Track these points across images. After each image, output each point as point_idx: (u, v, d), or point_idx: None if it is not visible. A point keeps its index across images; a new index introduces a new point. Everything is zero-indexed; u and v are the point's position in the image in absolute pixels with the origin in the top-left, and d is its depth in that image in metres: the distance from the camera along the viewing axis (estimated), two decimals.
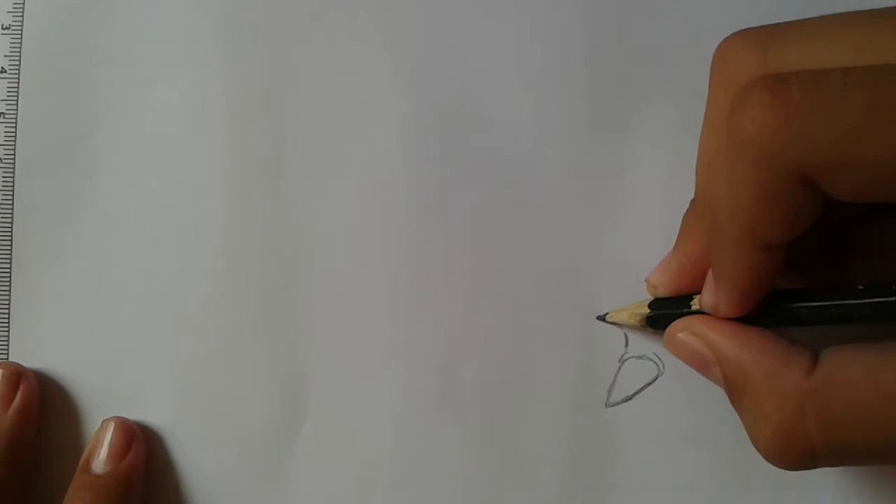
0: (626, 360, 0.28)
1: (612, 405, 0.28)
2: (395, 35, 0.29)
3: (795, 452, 0.22)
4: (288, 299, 0.29)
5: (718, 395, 0.27)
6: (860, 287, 0.23)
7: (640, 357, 0.28)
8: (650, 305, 0.27)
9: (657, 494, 0.28)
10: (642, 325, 0.27)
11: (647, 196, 0.29)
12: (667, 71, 0.29)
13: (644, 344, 0.28)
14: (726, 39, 0.23)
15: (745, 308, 0.23)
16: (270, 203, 0.29)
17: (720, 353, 0.24)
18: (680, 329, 0.25)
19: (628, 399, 0.28)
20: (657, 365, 0.28)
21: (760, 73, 0.22)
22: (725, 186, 0.21)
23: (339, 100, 0.29)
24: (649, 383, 0.28)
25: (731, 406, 0.26)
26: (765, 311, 0.23)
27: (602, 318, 0.28)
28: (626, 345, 0.28)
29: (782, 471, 0.27)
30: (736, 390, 0.23)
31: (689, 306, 0.25)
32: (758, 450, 0.23)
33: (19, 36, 0.30)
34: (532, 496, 0.28)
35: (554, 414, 0.28)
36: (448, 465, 0.28)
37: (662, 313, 0.26)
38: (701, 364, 0.24)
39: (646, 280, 0.27)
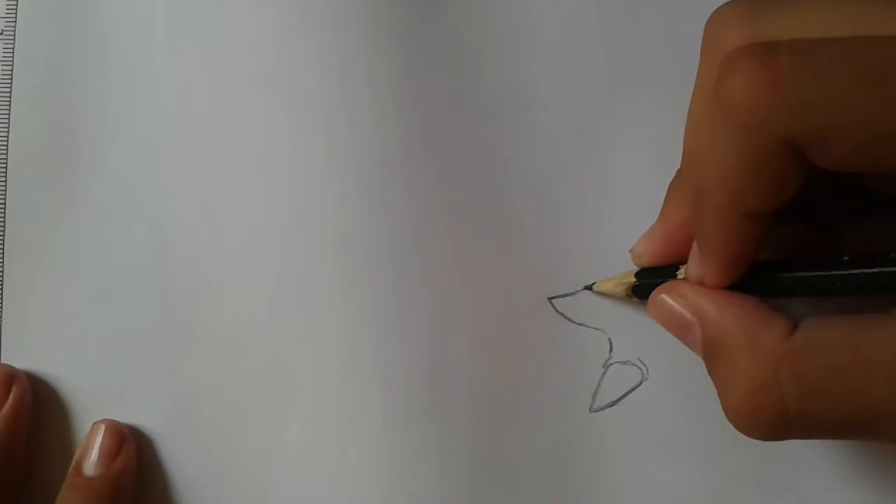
0: (611, 365, 0.28)
1: (597, 410, 0.28)
2: (387, 35, 0.29)
3: (767, 415, 0.22)
4: (276, 303, 0.29)
5: (702, 400, 0.28)
6: (845, 258, 0.23)
7: (624, 362, 0.28)
8: (636, 275, 0.27)
9: (641, 499, 0.28)
10: (628, 295, 0.27)
11: (635, 201, 0.29)
12: (654, 71, 0.29)
13: (628, 349, 0.28)
14: (717, 10, 0.23)
15: (730, 277, 0.23)
16: (262, 203, 0.29)
17: (702, 313, 0.24)
18: (664, 291, 0.25)
19: (613, 404, 0.28)
20: (641, 370, 0.28)
21: (749, 40, 0.21)
22: (711, 153, 0.21)
23: (330, 99, 0.29)
24: (633, 388, 0.28)
25: (714, 412, 0.26)
26: (749, 280, 0.23)
27: (589, 288, 0.28)
28: (611, 350, 0.28)
29: (768, 476, 0.28)
30: (714, 352, 0.23)
31: (675, 276, 0.25)
32: (727, 414, 0.23)
33: (12, 41, 0.30)
34: (518, 501, 0.28)
35: (539, 419, 0.28)
36: (434, 471, 0.29)
37: (649, 282, 0.26)
38: (681, 326, 0.24)
39: (630, 250, 0.27)
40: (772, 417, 0.22)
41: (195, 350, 0.29)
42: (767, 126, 0.20)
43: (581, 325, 0.29)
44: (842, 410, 0.21)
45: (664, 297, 0.25)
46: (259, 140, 0.29)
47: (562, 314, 0.29)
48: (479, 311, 0.29)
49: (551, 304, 0.29)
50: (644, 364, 0.28)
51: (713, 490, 0.28)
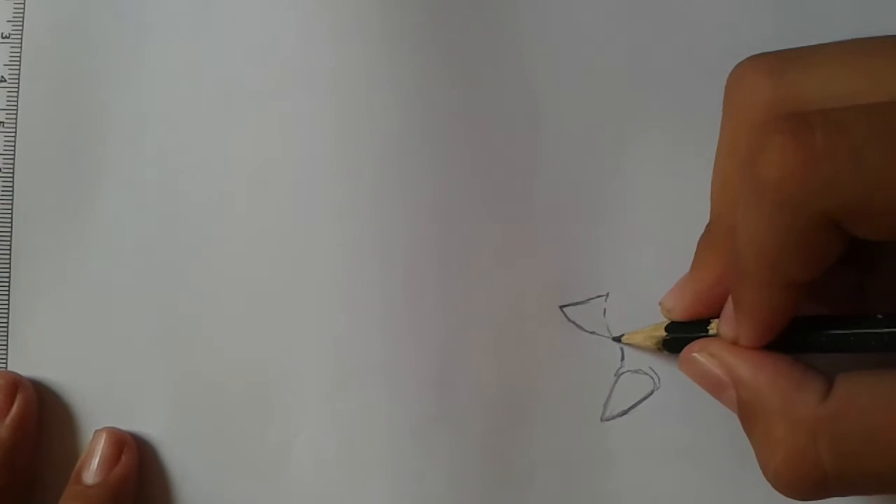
0: (622, 374, 0.28)
1: (608, 419, 0.28)
2: (397, 38, 0.29)
3: (806, 480, 0.22)
4: (283, 310, 0.29)
5: (714, 410, 0.27)
6: (879, 316, 0.23)
7: (635, 371, 0.28)
8: (667, 329, 0.27)
9: None
10: (658, 348, 0.27)
11: (645, 207, 0.29)
12: (670, 74, 0.29)
13: (640, 358, 0.28)
14: (739, 65, 0.23)
15: (765, 340, 0.23)
16: (269, 208, 0.29)
17: (736, 375, 0.23)
18: (697, 350, 0.25)
19: (624, 413, 0.28)
20: (653, 379, 0.28)
21: (776, 101, 0.22)
22: (747, 228, 0.21)
23: (336, 103, 0.29)
24: (645, 398, 0.28)
25: (726, 421, 0.26)
26: (783, 337, 0.23)
27: (617, 340, 0.28)
28: (622, 359, 0.28)
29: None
30: (749, 414, 0.23)
31: (707, 331, 0.25)
32: (766, 477, 0.23)
33: (19, 45, 0.30)
34: None
35: (550, 427, 0.28)
36: (444, 479, 0.28)
37: (679, 337, 0.26)
38: (716, 386, 0.24)
39: (660, 303, 0.27)
40: (810, 482, 0.22)
41: (200, 358, 0.29)
42: (805, 204, 0.20)
43: (593, 333, 0.28)
44: (879, 472, 0.21)
45: (697, 356, 0.25)
46: (266, 144, 0.29)
47: (573, 322, 0.28)
48: (491, 319, 0.29)
49: (563, 312, 0.28)
50: (656, 373, 0.28)
51: (724, 500, 0.28)
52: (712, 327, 0.25)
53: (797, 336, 0.23)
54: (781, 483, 0.22)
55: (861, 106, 0.20)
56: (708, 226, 0.26)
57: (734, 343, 0.24)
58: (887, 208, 0.19)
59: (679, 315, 0.26)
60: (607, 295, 0.28)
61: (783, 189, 0.20)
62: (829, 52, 0.22)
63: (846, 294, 0.25)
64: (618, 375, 0.28)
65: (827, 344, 0.23)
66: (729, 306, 0.24)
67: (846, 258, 0.21)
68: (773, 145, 0.20)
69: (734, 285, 0.23)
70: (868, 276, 0.25)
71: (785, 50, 0.23)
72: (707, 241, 0.26)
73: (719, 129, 0.24)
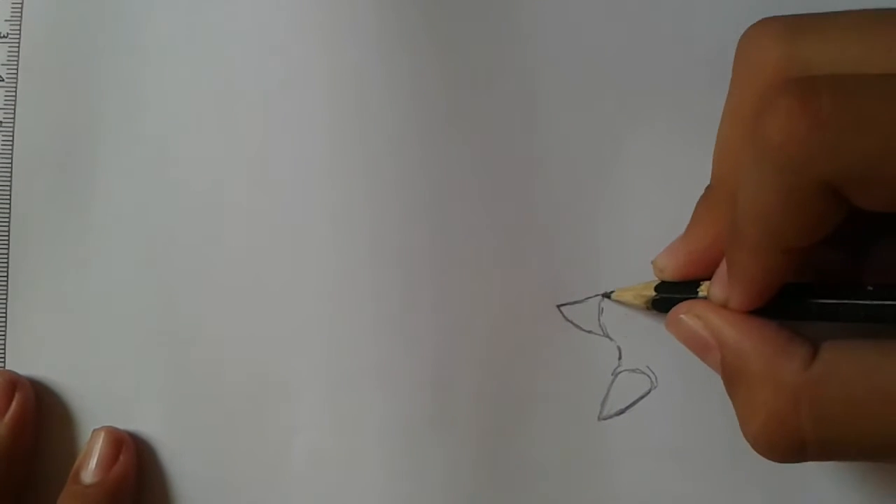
0: (620, 373, 0.28)
1: (606, 418, 0.28)
2: (394, 41, 0.29)
3: (785, 443, 0.22)
4: (279, 311, 0.29)
5: (711, 408, 0.28)
6: (870, 287, 0.23)
7: (633, 370, 0.28)
8: (656, 288, 0.27)
9: None
10: (647, 307, 0.27)
11: (643, 206, 0.29)
12: (667, 73, 0.29)
13: (637, 357, 0.28)
14: (752, 27, 0.23)
15: (755, 304, 0.23)
16: (266, 208, 0.29)
17: (721, 338, 0.24)
18: (684, 311, 0.25)
19: (621, 412, 0.28)
20: (650, 378, 0.28)
21: (786, 66, 0.21)
22: (748, 190, 0.21)
23: (334, 102, 0.29)
24: (642, 397, 0.28)
25: (723, 420, 0.26)
26: (773, 303, 0.23)
27: (607, 296, 0.28)
28: (620, 358, 0.28)
29: (777, 484, 0.28)
30: (733, 377, 0.23)
31: (696, 292, 0.25)
32: (747, 438, 0.23)
33: (17, 44, 0.30)
34: None
35: (547, 427, 0.28)
36: (442, 480, 0.28)
37: (668, 297, 0.26)
38: (701, 347, 0.24)
39: (652, 262, 0.27)
40: (789, 445, 0.22)
41: (198, 358, 0.29)
42: (808, 168, 0.20)
43: (590, 332, 0.28)
44: (859, 440, 0.21)
45: (684, 317, 0.25)
46: (263, 145, 0.29)
47: (571, 321, 0.28)
48: (488, 318, 0.29)
49: (560, 311, 0.28)
50: (653, 372, 0.28)
51: (721, 499, 0.28)
52: (702, 289, 0.25)
53: (786, 302, 0.23)
54: (761, 445, 0.22)
55: (872, 75, 0.20)
56: (708, 188, 0.26)
57: (723, 306, 0.24)
58: (889, 179, 0.19)
59: (671, 275, 0.26)
60: (605, 294, 0.28)
61: (786, 152, 0.20)
62: (843, 20, 0.22)
63: (841, 270, 0.25)
64: (615, 374, 0.28)
65: (815, 312, 0.23)
66: (722, 269, 0.24)
67: (844, 233, 0.21)
68: (779, 107, 0.20)
69: (730, 247, 0.23)
70: (864, 254, 0.25)
71: (799, 15, 0.22)
72: (706, 202, 0.26)
73: (728, 92, 0.24)
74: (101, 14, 0.30)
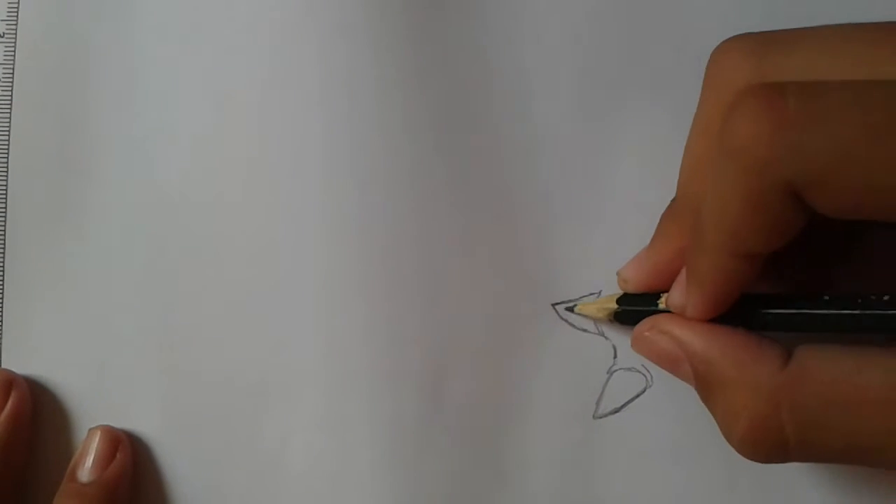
0: (615, 371, 0.28)
1: (601, 417, 0.28)
2: (388, 38, 0.29)
3: (769, 445, 0.22)
4: (276, 311, 0.29)
5: (706, 407, 0.27)
6: (826, 297, 0.23)
7: (628, 369, 0.28)
8: (618, 301, 0.27)
9: None
10: (610, 320, 0.27)
11: (638, 205, 0.28)
12: (657, 75, 0.29)
13: (632, 356, 0.28)
14: (723, 43, 0.23)
15: (713, 312, 0.23)
16: (262, 208, 0.29)
17: (689, 349, 0.24)
18: (647, 328, 0.25)
19: (616, 411, 0.28)
20: (645, 377, 0.28)
21: (755, 80, 0.21)
22: (711, 192, 0.21)
23: (330, 101, 0.29)
24: (637, 395, 0.28)
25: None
26: (730, 313, 0.23)
27: (570, 310, 0.28)
28: (615, 356, 0.28)
29: (770, 484, 0.28)
30: (707, 386, 0.23)
31: (656, 304, 0.26)
32: (731, 443, 0.23)
33: (13, 44, 0.30)
34: None
35: (542, 426, 0.28)
36: (437, 479, 0.28)
37: (629, 309, 0.27)
38: (670, 362, 0.24)
39: (617, 273, 0.27)
40: (773, 446, 0.22)
41: (195, 357, 0.29)
42: (770, 169, 0.20)
43: (585, 331, 0.28)
44: (840, 442, 0.21)
45: (648, 334, 0.25)
46: (260, 144, 0.29)
47: (565, 320, 0.28)
48: (483, 317, 0.29)
49: (555, 310, 0.28)
50: (648, 371, 0.28)
51: (716, 497, 0.28)
52: (662, 301, 0.25)
53: (744, 313, 0.23)
54: (747, 448, 0.22)
55: (838, 81, 0.20)
56: (673, 200, 0.26)
57: (681, 311, 0.24)
58: (850, 183, 0.19)
59: (634, 287, 0.27)
60: (599, 293, 0.28)
61: (749, 151, 0.20)
62: (811, 36, 0.22)
63: (811, 281, 0.25)
64: (610, 373, 0.28)
65: (773, 322, 0.23)
66: (682, 276, 0.24)
67: (810, 244, 0.21)
68: (745, 108, 0.20)
69: (690, 252, 0.23)
70: (835, 267, 0.25)
71: (767, 32, 0.23)
72: (670, 214, 0.26)
73: (697, 107, 0.24)
74: (98, 14, 0.30)
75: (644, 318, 0.26)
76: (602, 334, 0.28)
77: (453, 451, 0.28)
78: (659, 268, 0.26)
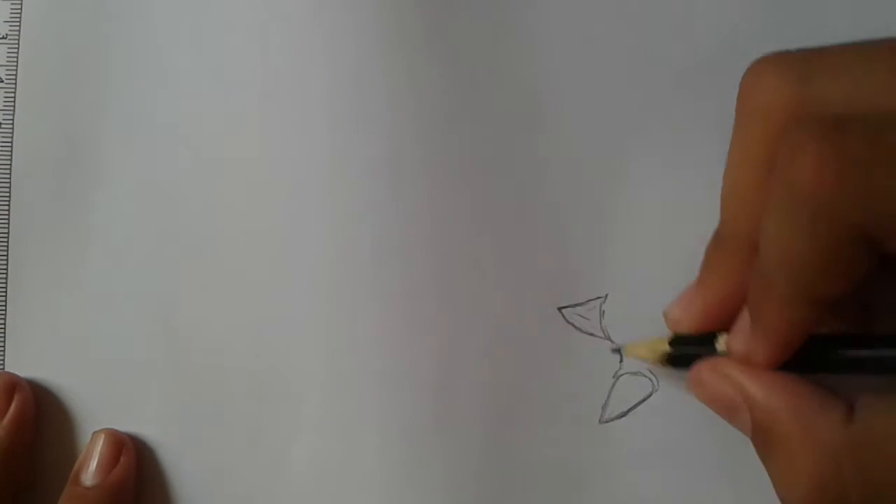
0: (621, 376, 0.28)
1: (607, 421, 0.28)
2: (397, 39, 0.29)
3: None
4: (280, 313, 0.29)
5: (712, 412, 0.27)
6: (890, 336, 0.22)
7: (634, 373, 0.28)
8: (671, 342, 0.26)
9: None
10: (662, 363, 0.26)
11: (645, 209, 0.28)
12: (669, 75, 0.29)
13: (638, 360, 0.28)
14: (756, 64, 0.22)
15: (782, 359, 0.22)
16: (267, 209, 0.29)
17: (751, 397, 0.22)
18: (707, 370, 0.24)
19: (623, 415, 0.28)
20: (652, 381, 0.28)
21: (798, 108, 0.20)
22: (775, 239, 0.20)
23: (338, 103, 0.29)
24: (643, 400, 0.28)
25: (724, 424, 0.26)
26: (797, 356, 0.22)
27: (617, 351, 0.28)
28: (621, 361, 0.28)
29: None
30: (766, 439, 0.22)
31: (714, 346, 0.24)
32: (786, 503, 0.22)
33: (16, 46, 0.30)
34: None
35: (548, 430, 0.28)
36: (443, 484, 0.28)
37: (685, 353, 0.25)
38: (728, 408, 0.23)
39: (664, 314, 0.26)
40: None
41: (199, 359, 0.29)
42: (841, 215, 0.19)
43: (591, 335, 0.28)
44: None
45: (708, 376, 0.24)
46: (265, 146, 0.29)
47: (572, 324, 0.28)
48: (489, 321, 0.28)
49: (562, 314, 0.28)
50: (654, 375, 0.28)
51: (722, 502, 0.28)
52: (720, 344, 0.24)
53: (812, 355, 0.22)
54: None
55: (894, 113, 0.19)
56: (717, 235, 0.24)
57: (745, 360, 0.23)
58: None
59: (686, 328, 0.25)
60: (606, 296, 0.28)
61: (818, 198, 0.19)
62: (850, 55, 0.20)
63: (851, 311, 0.24)
64: (616, 377, 0.28)
65: (843, 365, 0.22)
66: (741, 321, 0.23)
67: (878, 281, 0.20)
68: (805, 150, 0.19)
69: (754, 299, 0.22)
70: (873, 293, 0.23)
71: (805, 50, 0.21)
72: (718, 251, 0.24)
73: (732, 133, 0.23)
74: (101, 15, 0.30)
75: (698, 360, 0.25)
76: (609, 338, 0.28)
77: (459, 455, 0.28)
78: (711, 308, 0.24)
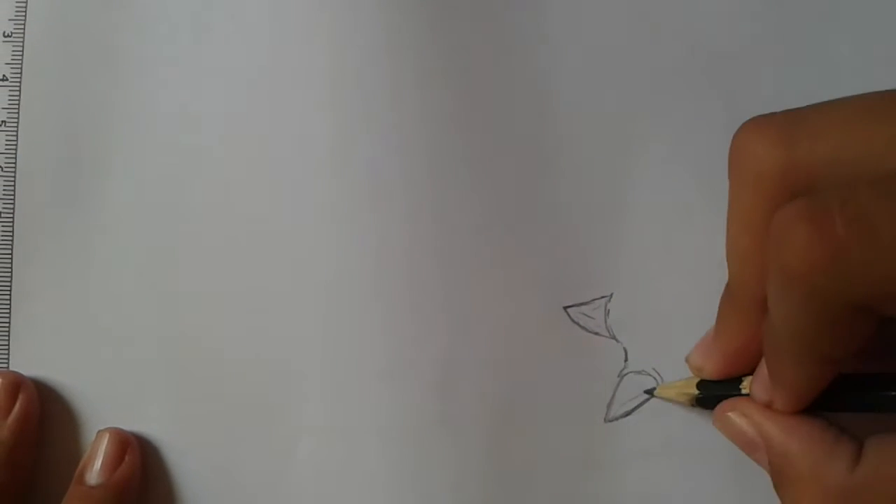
0: (626, 375, 0.28)
1: (612, 420, 0.28)
2: (401, 38, 0.29)
3: None
4: (284, 313, 0.29)
5: None
6: None
7: (639, 372, 0.28)
8: (698, 386, 0.27)
9: None
10: (691, 404, 0.27)
11: (649, 208, 0.29)
12: (674, 75, 0.29)
13: (644, 359, 0.28)
14: (743, 128, 0.22)
15: (800, 407, 0.23)
16: (268, 209, 0.29)
17: (767, 437, 0.23)
18: (729, 409, 0.25)
19: (628, 414, 0.28)
20: (656, 381, 0.28)
21: (784, 174, 0.21)
22: (779, 311, 0.21)
23: (342, 101, 0.29)
24: (648, 398, 0.28)
25: None
26: (822, 396, 0.23)
27: (650, 393, 0.28)
28: (626, 360, 0.28)
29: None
30: (780, 478, 0.23)
31: (739, 389, 0.25)
32: None
33: (21, 44, 0.30)
34: None
35: (553, 429, 0.28)
36: (446, 482, 0.28)
37: (712, 395, 0.26)
38: (748, 445, 0.24)
39: (687, 360, 0.27)
40: None
41: (203, 359, 0.29)
42: (833, 295, 0.19)
43: (596, 334, 0.28)
44: None
45: (730, 415, 0.25)
46: (267, 146, 0.29)
47: (577, 323, 0.28)
48: (494, 320, 0.29)
49: (567, 312, 0.28)
50: (659, 374, 0.28)
51: (727, 501, 0.28)
52: (745, 386, 0.25)
53: (837, 395, 0.23)
54: None
55: (877, 183, 0.19)
56: (728, 288, 0.25)
57: (768, 405, 0.24)
58: None
59: (710, 375, 0.26)
60: (611, 296, 0.28)
61: (811, 280, 0.19)
62: (837, 114, 0.21)
63: (880, 350, 0.24)
64: (621, 376, 0.28)
65: (862, 404, 0.23)
66: (762, 369, 0.24)
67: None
68: (797, 236, 0.19)
69: (768, 357, 0.23)
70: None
71: (787, 113, 0.22)
72: (729, 305, 0.25)
73: (728, 194, 0.23)
74: (105, 13, 0.30)
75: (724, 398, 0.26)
76: (614, 337, 0.28)
77: (463, 454, 0.28)
78: (730, 357, 0.25)
